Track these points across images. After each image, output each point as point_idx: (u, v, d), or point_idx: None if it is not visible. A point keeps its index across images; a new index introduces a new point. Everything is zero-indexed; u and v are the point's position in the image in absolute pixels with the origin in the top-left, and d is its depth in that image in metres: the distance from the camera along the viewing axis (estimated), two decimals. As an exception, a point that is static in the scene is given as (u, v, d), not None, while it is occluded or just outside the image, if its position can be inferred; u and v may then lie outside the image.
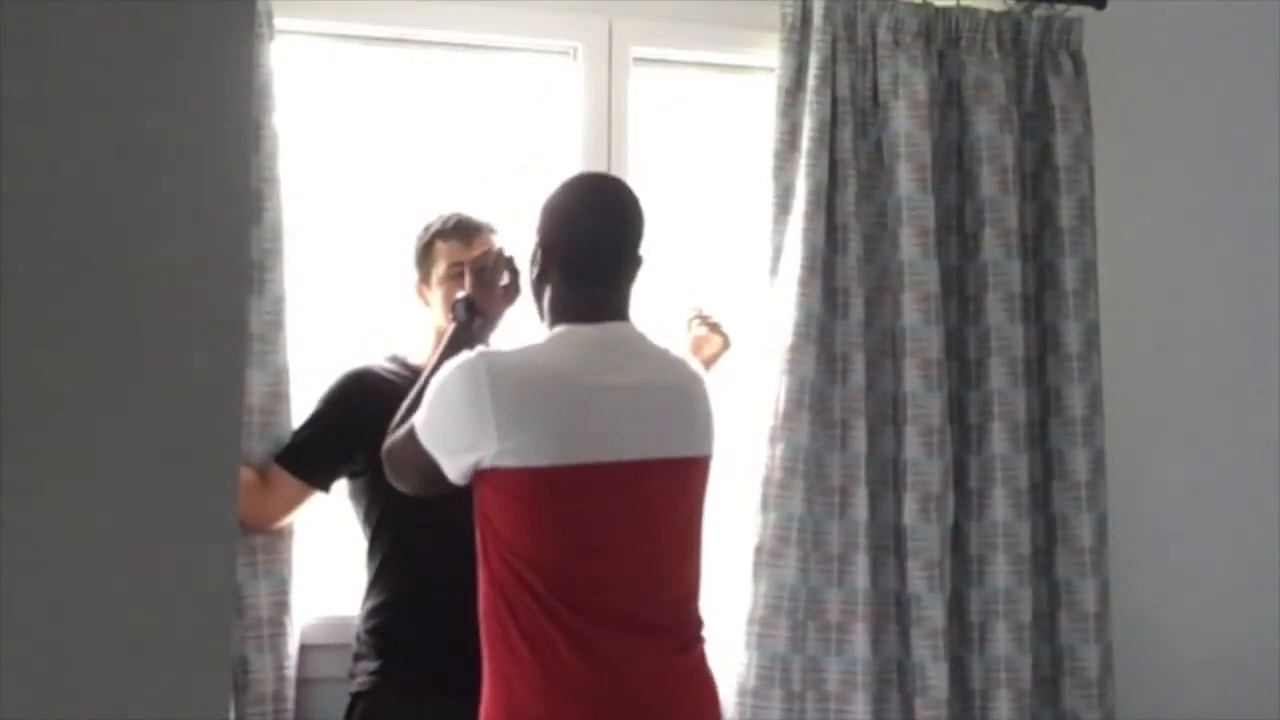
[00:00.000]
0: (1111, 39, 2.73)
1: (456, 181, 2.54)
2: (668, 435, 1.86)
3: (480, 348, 1.85)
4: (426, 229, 2.27)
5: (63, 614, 0.90)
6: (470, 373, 1.78)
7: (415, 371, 2.15)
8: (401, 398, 1.96)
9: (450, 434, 1.80)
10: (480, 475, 1.79)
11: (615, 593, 1.80)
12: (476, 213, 2.28)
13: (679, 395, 1.91)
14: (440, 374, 1.83)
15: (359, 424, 2.18)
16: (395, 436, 1.92)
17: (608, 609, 1.78)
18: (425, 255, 2.25)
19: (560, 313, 1.89)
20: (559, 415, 1.78)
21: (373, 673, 2.15)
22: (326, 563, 2.40)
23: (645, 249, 1.96)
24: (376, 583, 2.20)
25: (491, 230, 2.27)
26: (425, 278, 2.26)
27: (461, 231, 2.23)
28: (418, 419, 1.84)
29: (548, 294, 1.91)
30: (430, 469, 1.83)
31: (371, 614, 2.19)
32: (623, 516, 1.81)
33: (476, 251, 2.21)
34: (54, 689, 0.90)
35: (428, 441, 1.82)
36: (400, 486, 1.94)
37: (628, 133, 2.58)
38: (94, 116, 0.93)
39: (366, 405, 2.19)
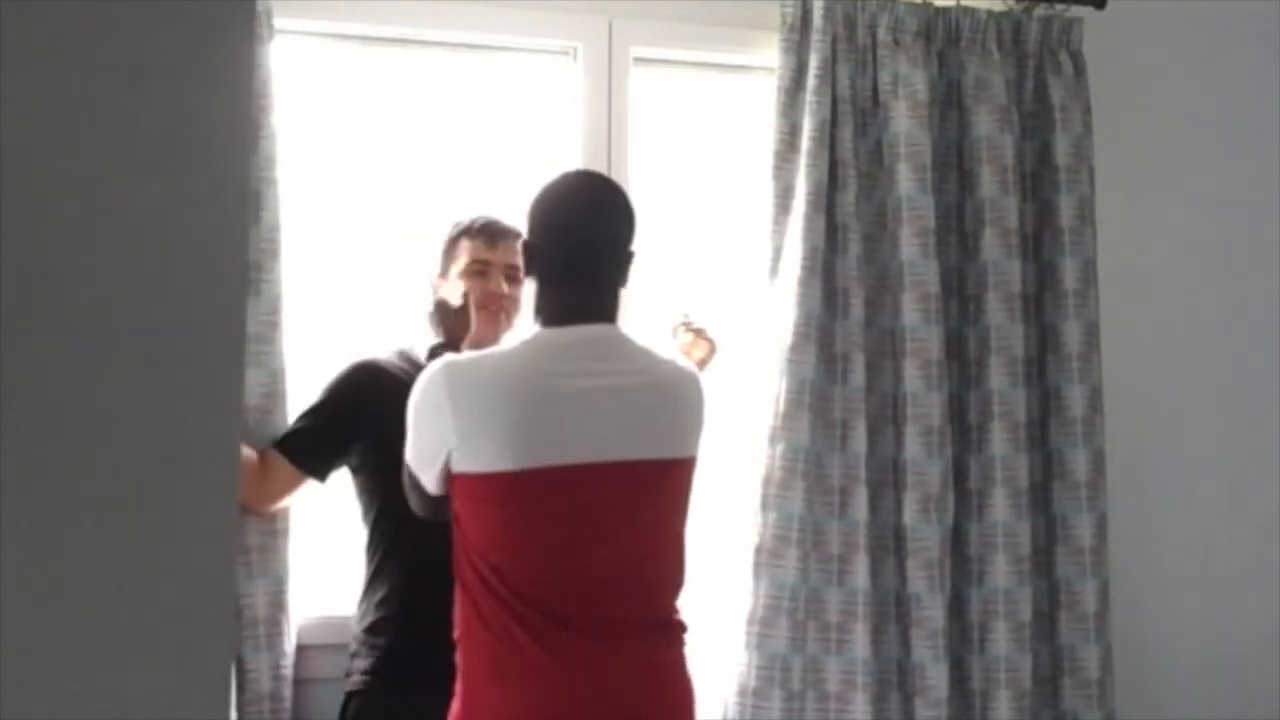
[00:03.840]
0: (1111, 39, 2.73)
1: (456, 182, 2.54)
2: (639, 438, 1.85)
3: (448, 356, 1.86)
4: (455, 226, 2.29)
5: (63, 614, 0.90)
6: (430, 381, 1.81)
7: (421, 367, 2.15)
8: (405, 394, 1.97)
9: (419, 445, 1.83)
10: (450, 482, 1.81)
11: (583, 597, 1.79)
12: (505, 218, 2.28)
13: (655, 396, 1.88)
14: (412, 391, 1.86)
15: (360, 417, 2.19)
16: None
17: (576, 613, 1.78)
18: (449, 250, 2.28)
19: (540, 315, 1.90)
20: (519, 419, 1.77)
21: (366, 672, 2.15)
22: (322, 562, 2.39)
23: (635, 245, 1.94)
24: (373, 582, 2.20)
25: (516, 237, 2.26)
26: (445, 272, 2.28)
27: (487, 233, 2.26)
28: (406, 445, 1.87)
29: (533, 296, 1.92)
30: (420, 489, 1.86)
31: (367, 613, 2.19)
32: (589, 520, 1.80)
33: (498, 254, 2.23)
34: (54, 689, 0.90)
35: (411, 460, 1.86)
36: (416, 513, 1.95)
37: (628, 133, 2.58)
38: (93, 116, 0.93)
39: (369, 399, 2.20)
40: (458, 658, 1.83)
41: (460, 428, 1.76)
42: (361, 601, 2.21)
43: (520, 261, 2.22)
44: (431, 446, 1.81)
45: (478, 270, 2.23)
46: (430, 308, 2.18)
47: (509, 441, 1.76)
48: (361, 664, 2.16)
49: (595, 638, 1.79)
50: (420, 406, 1.82)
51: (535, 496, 1.77)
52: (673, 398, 1.92)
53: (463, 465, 1.78)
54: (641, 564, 1.86)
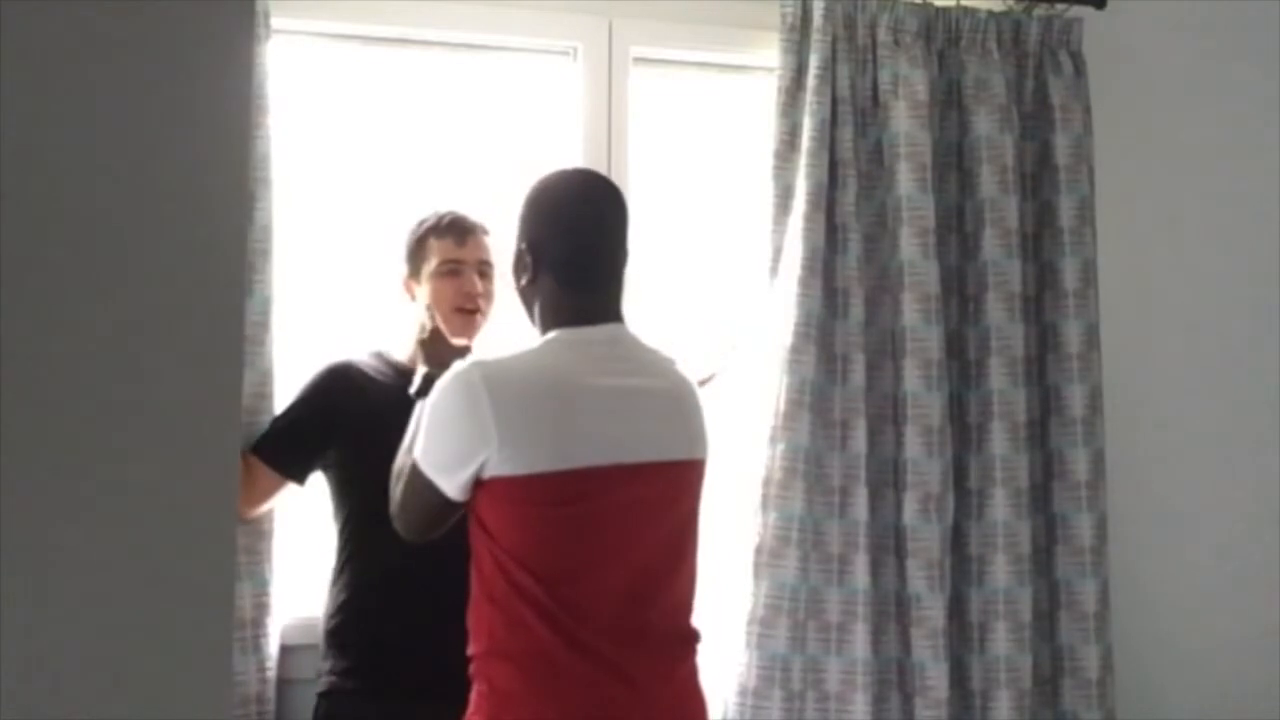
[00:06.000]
0: (1111, 39, 2.73)
1: (456, 182, 2.54)
2: (664, 438, 1.85)
3: (472, 358, 1.82)
4: (420, 224, 2.25)
5: (62, 614, 0.90)
6: (466, 383, 1.75)
7: (397, 368, 2.15)
8: (381, 394, 1.93)
9: (448, 449, 1.76)
10: (478, 484, 1.76)
11: (611, 597, 1.78)
12: (472, 213, 2.27)
13: (673, 398, 1.90)
14: (433, 393, 1.80)
15: (335, 417, 2.18)
16: (396, 479, 1.86)
17: (603, 613, 1.77)
18: (417, 250, 2.24)
19: (553, 317, 1.86)
20: (559, 419, 1.76)
21: (332, 673, 2.13)
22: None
23: (631, 241, 1.94)
24: (338, 581, 2.17)
25: (485, 232, 2.26)
26: (415, 273, 2.24)
27: (455, 230, 2.22)
28: (416, 450, 1.80)
29: (539, 299, 1.88)
30: (435, 499, 1.78)
31: (333, 613, 2.16)
32: (620, 520, 1.79)
33: (469, 251, 2.21)
34: (54, 689, 0.90)
35: (429, 468, 1.77)
36: (406, 532, 1.87)
37: (628, 133, 2.58)
38: (94, 116, 0.93)
39: (344, 399, 2.18)
40: (475, 672, 1.79)
41: (502, 429, 1.71)
42: (328, 602, 2.18)
43: (491, 258, 2.20)
44: (463, 450, 1.74)
45: (449, 270, 2.19)
46: (424, 334, 2.09)
47: (554, 441, 1.74)
48: (328, 665, 2.14)
49: (634, 648, 1.78)
50: (451, 409, 1.75)
51: (580, 496, 1.76)
52: (687, 399, 1.92)
53: (500, 469, 1.73)
54: (672, 568, 1.86)
